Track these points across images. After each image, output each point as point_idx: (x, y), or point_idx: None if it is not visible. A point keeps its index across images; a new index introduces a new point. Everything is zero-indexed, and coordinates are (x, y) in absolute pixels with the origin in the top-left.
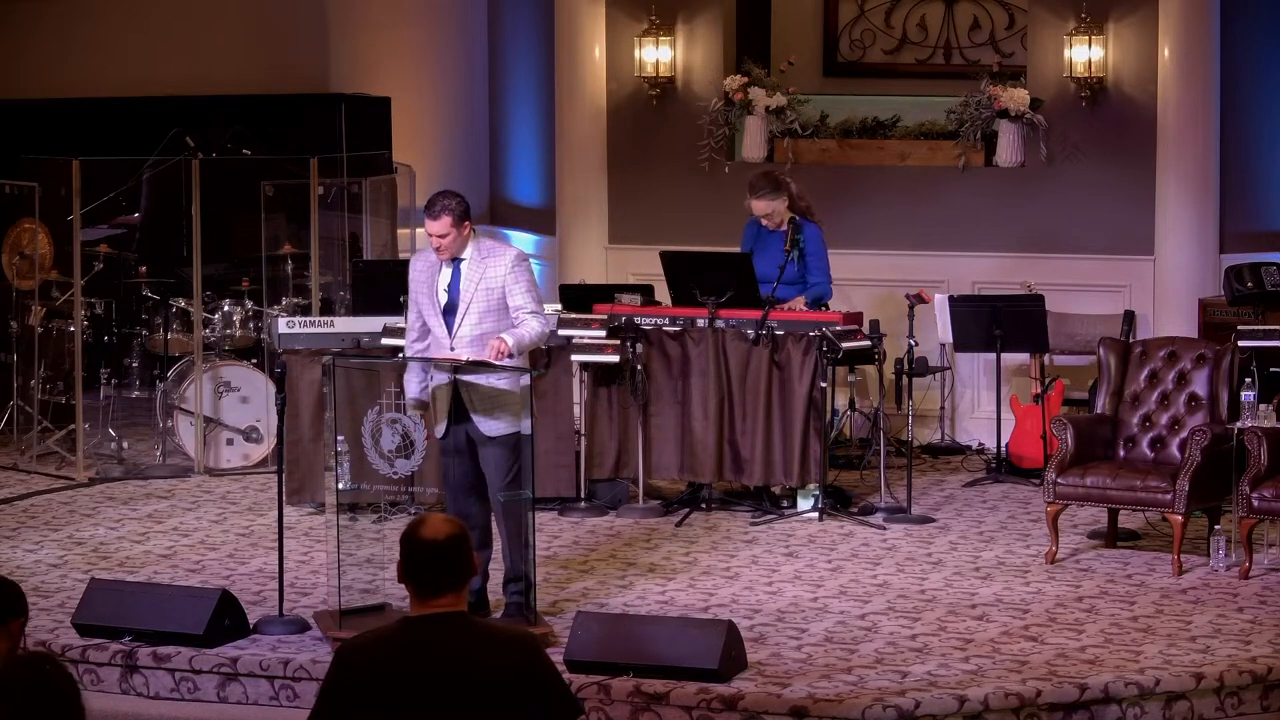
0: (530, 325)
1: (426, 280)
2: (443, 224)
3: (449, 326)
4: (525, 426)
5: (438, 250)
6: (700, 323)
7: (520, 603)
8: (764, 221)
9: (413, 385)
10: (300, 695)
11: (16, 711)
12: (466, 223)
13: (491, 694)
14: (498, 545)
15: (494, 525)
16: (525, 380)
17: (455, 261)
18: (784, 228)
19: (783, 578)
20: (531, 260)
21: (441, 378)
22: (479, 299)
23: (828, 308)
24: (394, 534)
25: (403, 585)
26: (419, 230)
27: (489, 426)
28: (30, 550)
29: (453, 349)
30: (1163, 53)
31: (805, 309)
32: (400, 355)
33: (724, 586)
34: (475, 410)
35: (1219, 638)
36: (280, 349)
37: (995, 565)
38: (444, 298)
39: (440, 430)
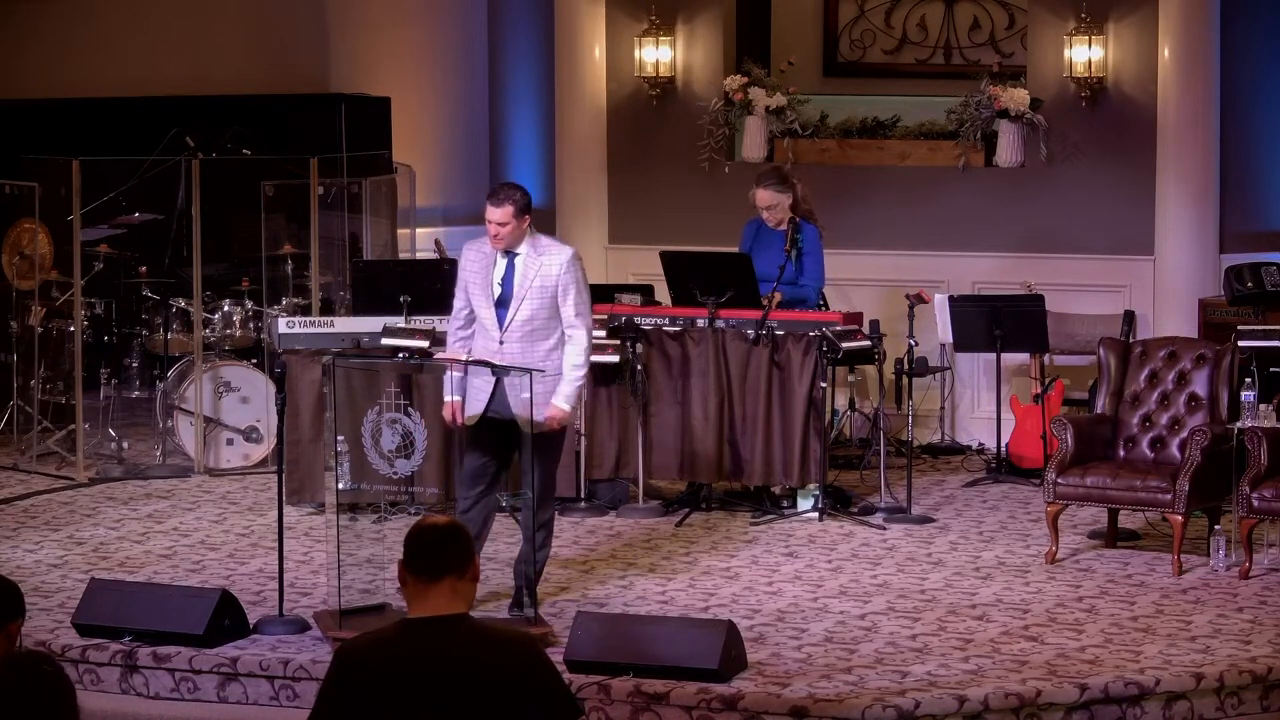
0: (574, 357)
1: (480, 270)
2: (504, 212)
3: (500, 319)
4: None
5: (494, 238)
6: (700, 323)
7: (522, 585)
8: (765, 215)
9: (451, 388)
10: (300, 695)
11: (11, 711)
12: (527, 217)
13: (491, 695)
14: (493, 547)
15: (488, 527)
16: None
17: (510, 255)
18: (783, 227)
19: (783, 578)
20: None
21: (485, 385)
22: (533, 295)
23: (826, 306)
24: (394, 534)
25: (403, 588)
26: (419, 230)
27: (526, 427)
28: (30, 550)
29: (502, 342)
30: (1163, 53)
31: (780, 306)
32: (401, 356)
33: (724, 586)
34: (522, 425)
35: (1219, 638)
36: (280, 349)
37: (995, 565)
38: (497, 290)
39: (475, 415)
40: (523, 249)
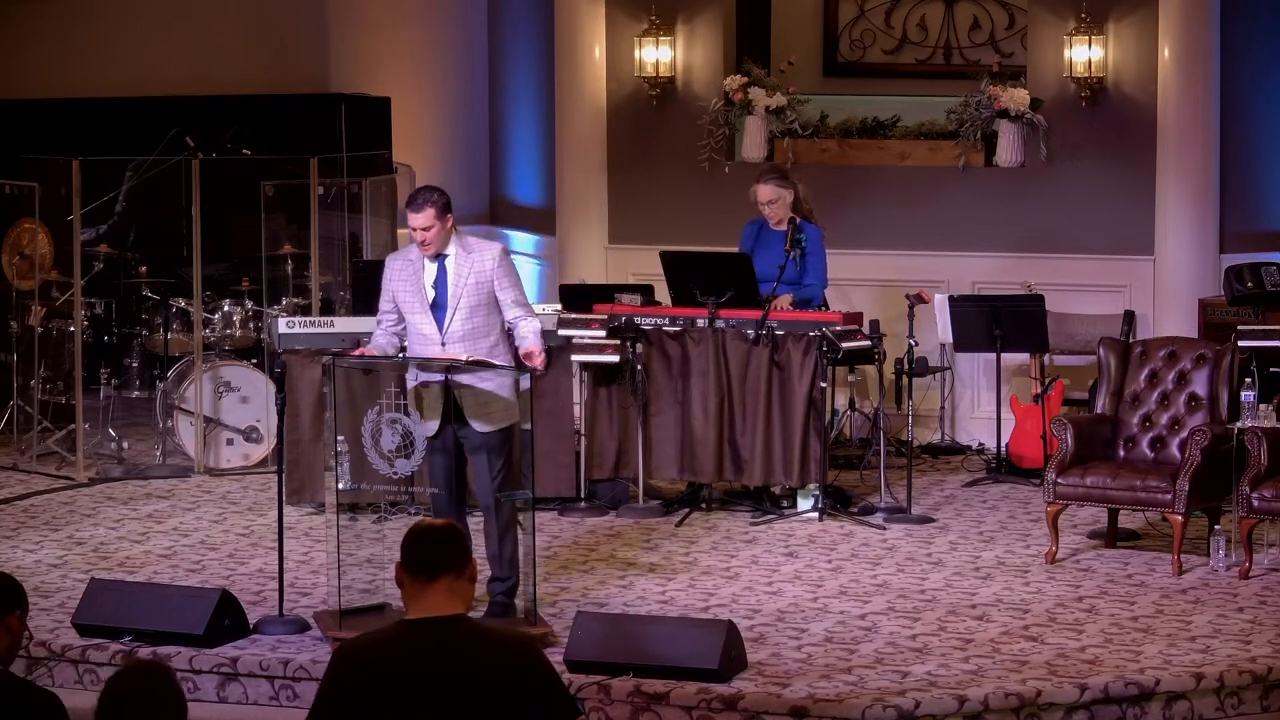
0: (533, 325)
1: (410, 278)
2: (426, 216)
3: (439, 323)
4: (523, 423)
5: (422, 245)
6: (700, 323)
7: (505, 603)
8: (766, 211)
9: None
10: (300, 695)
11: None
12: (449, 216)
13: (490, 695)
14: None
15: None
16: (525, 384)
17: (439, 259)
18: (783, 227)
19: (783, 578)
20: (531, 260)
21: (434, 377)
22: (469, 294)
23: (826, 307)
24: (394, 534)
25: (401, 590)
26: None
27: (479, 424)
28: (30, 550)
29: (444, 344)
30: (1163, 53)
31: (790, 308)
32: (401, 356)
33: (724, 586)
34: (468, 411)
35: (1219, 638)
36: (280, 349)
37: (995, 565)
38: (431, 294)
39: (431, 429)
40: (451, 250)
